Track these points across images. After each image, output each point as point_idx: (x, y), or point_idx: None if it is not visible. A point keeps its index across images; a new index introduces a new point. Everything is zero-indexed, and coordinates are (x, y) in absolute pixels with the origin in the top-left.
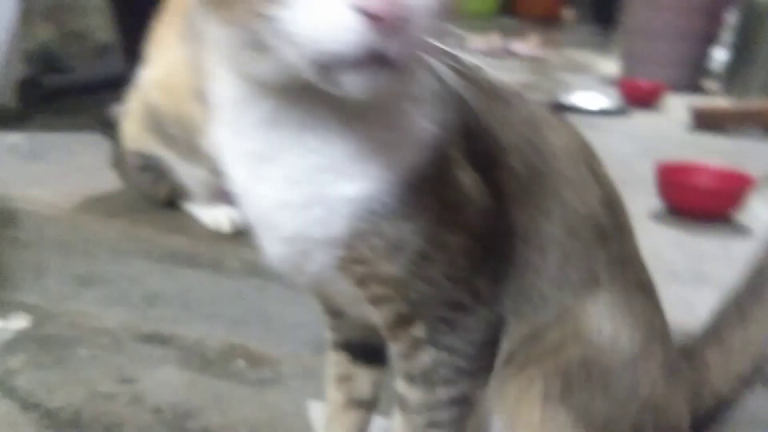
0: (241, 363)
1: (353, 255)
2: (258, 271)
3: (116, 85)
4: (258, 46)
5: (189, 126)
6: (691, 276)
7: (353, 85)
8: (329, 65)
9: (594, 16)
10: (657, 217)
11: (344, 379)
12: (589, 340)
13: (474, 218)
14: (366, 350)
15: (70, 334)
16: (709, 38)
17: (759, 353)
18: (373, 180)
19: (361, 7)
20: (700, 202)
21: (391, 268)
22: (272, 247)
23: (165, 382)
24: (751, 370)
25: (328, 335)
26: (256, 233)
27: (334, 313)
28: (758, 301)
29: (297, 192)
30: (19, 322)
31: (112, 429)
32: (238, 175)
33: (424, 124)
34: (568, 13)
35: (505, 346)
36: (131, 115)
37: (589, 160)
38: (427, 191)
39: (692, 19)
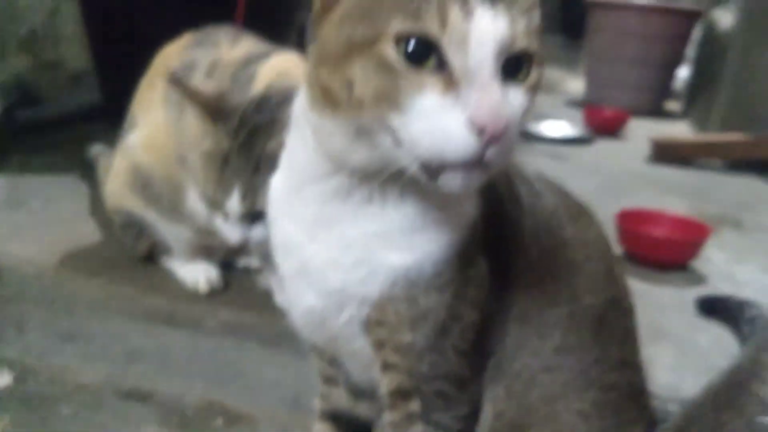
0: (219, 421)
1: (381, 317)
2: (235, 330)
3: (93, 116)
4: (364, 139)
5: (175, 186)
6: (649, 332)
7: (452, 182)
8: (437, 167)
9: (562, 27)
10: None
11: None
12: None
13: (484, 296)
14: (351, 422)
15: (53, 391)
16: (673, 64)
17: None
18: (417, 252)
19: (476, 123)
20: (657, 251)
21: (410, 336)
22: (305, 299)
23: None
24: None
25: (318, 404)
26: (291, 285)
27: (330, 380)
28: (736, 413)
29: (349, 254)
30: (3, 379)
31: None
32: (290, 233)
33: (468, 207)
34: None
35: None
36: (115, 174)
37: (605, 255)
38: (458, 267)
39: (655, 45)
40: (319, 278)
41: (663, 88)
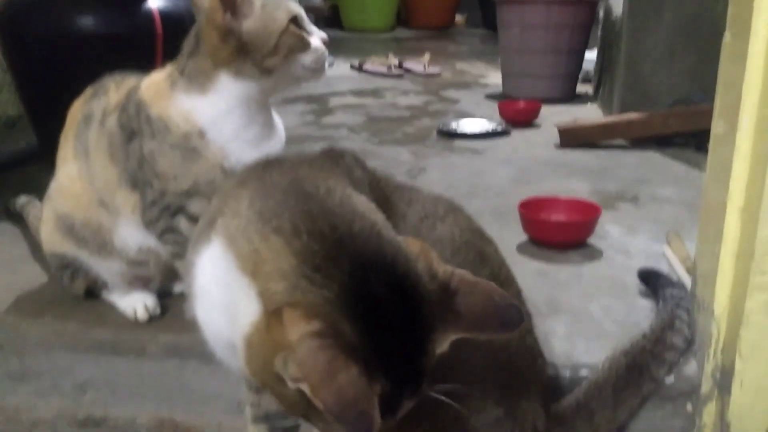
0: None
1: None
2: (177, 351)
3: (30, 162)
4: None
5: (97, 228)
6: (548, 307)
7: None
8: None
9: (483, 22)
10: (522, 249)
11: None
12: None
13: None
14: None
15: (10, 428)
16: (579, 51)
17: (618, 429)
18: None
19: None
20: (556, 234)
21: None
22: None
23: None
24: None
25: (250, 411)
26: None
27: (258, 389)
28: (633, 393)
29: None
30: None
31: None
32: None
33: None
34: (459, 19)
35: None
36: (45, 221)
37: (473, 242)
38: None
39: (561, 34)
40: None
41: (572, 75)
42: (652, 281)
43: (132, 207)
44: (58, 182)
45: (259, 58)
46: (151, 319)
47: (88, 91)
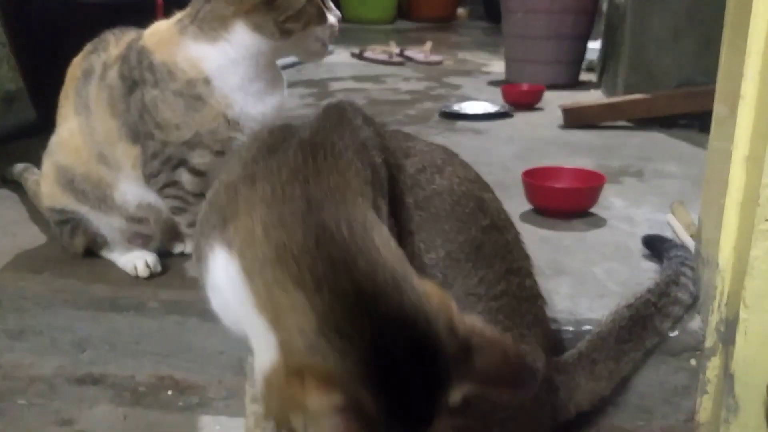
0: (169, 393)
1: None
2: (177, 308)
3: (29, 134)
4: None
5: (97, 182)
6: (551, 270)
7: None
8: None
9: (485, 14)
10: (525, 217)
11: None
12: None
13: None
14: None
15: (7, 385)
16: (582, 37)
17: (621, 383)
18: None
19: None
20: (559, 201)
21: None
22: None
23: (101, 419)
24: (611, 393)
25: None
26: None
27: None
28: (636, 346)
29: None
30: None
31: None
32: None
33: None
34: (461, 12)
35: None
36: (45, 175)
37: (472, 192)
38: None
39: (564, 20)
40: None
41: (576, 61)
42: (656, 246)
43: (132, 161)
44: (59, 136)
45: (282, 18)
46: (152, 275)
47: (88, 47)
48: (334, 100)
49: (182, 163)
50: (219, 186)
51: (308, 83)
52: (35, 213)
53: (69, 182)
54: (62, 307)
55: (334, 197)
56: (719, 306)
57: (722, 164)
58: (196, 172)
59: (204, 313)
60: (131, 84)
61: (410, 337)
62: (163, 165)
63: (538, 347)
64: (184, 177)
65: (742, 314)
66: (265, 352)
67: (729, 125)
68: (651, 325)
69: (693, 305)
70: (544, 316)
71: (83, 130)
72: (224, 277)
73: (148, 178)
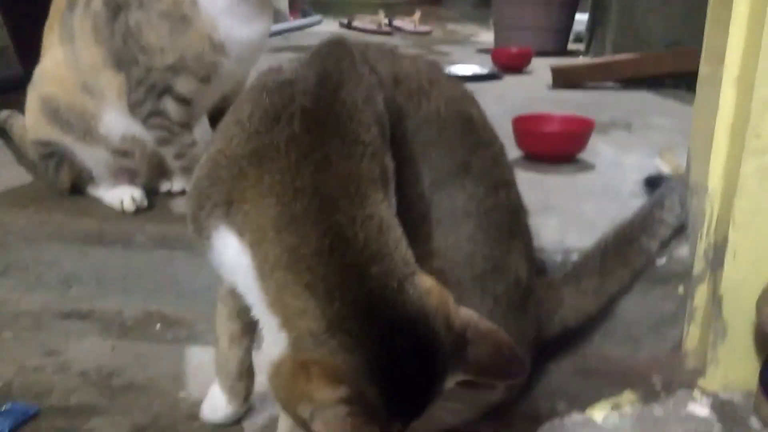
0: (158, 326)
1: None
2: (165, 242)
3: (14, 88)
4: None
5: (82, 112)
6: (540, 207)
7: None
8: None
9: None
10: (516, 163)
11: (242, 310)
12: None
13: None
14: None
15: None
16: (572, 3)
17: (608, 301)
18: None
19: None
20: (548, 145)
21: None
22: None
23: (88, 350)
24: (597, 312)
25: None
26: None
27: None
28: (622, 263)
29: None
30: None
31: (42, 395)
32: None
33: None
34: None
35: None
36: (30, 107)
37: (461, 112)
38: None
39: None
40: None
41: (564, 30)
42: (658, 185)
43: (117, 90)
44: (43, 67)
45: None
46: (138, 210)
47: None
48: (327, 43)
49: (167, 90)
50: (218, 155)
51: (296, 48)
52: (21, 157)
53: (53, 113)
54: (48, 241)
55: (348, 192)
56: (708, 231)
57: (712, 89)
58: (182, 100)
59: (191, 246)
60: (115, 7)
61: (412, 335)
62: (147, 93)
63: (523, 257)
64: (170, 106)
65: (731, 236)
66: (274, 345)
67: (719, 47)
68: (636, 243)
69: (682, 231)
70: (526, 227)
71: (67, 60)
72: (236, 264)
73: (133, 107)
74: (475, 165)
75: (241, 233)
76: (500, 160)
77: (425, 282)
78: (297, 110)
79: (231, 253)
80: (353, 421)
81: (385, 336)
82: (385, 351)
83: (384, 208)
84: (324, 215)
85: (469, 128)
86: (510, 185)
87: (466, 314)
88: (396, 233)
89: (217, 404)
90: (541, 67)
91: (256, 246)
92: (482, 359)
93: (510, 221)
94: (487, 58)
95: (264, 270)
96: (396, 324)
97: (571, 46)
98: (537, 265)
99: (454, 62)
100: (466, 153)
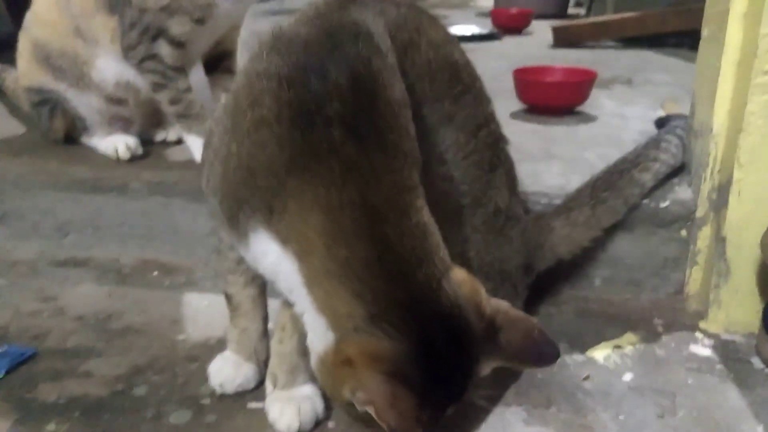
0: (155, 273)
1: None
2: (161, 189)
3: (8, 46)
4: None
5: (74, 57)
6: (541, 155)
7: None
8: None
9: None
10: (516, 115)
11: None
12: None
13: None
14: None
15: None
16: None
17: (600, 232)
18: None
19: None
20: (549, 95)
21: None
22: None
23: (85, 295)
24: (590, 243)
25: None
26: None
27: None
28: (613, 194)
29: None
30: None
31: (38, 337)
32: None
33: None
34: None
35: None
36: (21, 54)
37: (449, 60)
38: None
39: None
40: None
41: None
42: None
43: (110, 34)
44: (34, 11)
45: None
46: (133, 158)
47: None
48: (351, 37)
49: (161, 33)
50: (252, 162)
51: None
52: (15, 109)
53: (45, 58)
54: (43, 189)
55: (394, 205)
56: (712, 172)
57: (718, 26)
58: (176, 43)
59: (188, 193)
60: None
61: (448, 326)
62: (141, 35)
63: (503, 187)
64: (164, 49)
65: (736, 174)
66: (320, 341)
67: None
68: (628, 174)
69: (680, 171)
70: (506, 157)
71: (59, 3)
72: (278, 269)
73: (126, 51)
74: (458, 114)
75: (284, 242)
76: (480, 96)
77: (458, 275)
78: (335, 117)
79: (271, 259)
80: (394, 389)
81: (423, 327)
82: (423, 339)
83: (425, 213)
84: (372, 229)
85: (455, 76)
86: (489, 119)
87: (496, 303)
88: (435, 236)
89: (233, 372)
90: (541, 29)
91: (303, 256)
92: (514, 344)
93: (490, 156)
94: (487, 22)
95: (312, 278)
96: (434, 317)
97: (572, 10)
98: (519, 190)
99: (452, 23)
100: (450, 103)
